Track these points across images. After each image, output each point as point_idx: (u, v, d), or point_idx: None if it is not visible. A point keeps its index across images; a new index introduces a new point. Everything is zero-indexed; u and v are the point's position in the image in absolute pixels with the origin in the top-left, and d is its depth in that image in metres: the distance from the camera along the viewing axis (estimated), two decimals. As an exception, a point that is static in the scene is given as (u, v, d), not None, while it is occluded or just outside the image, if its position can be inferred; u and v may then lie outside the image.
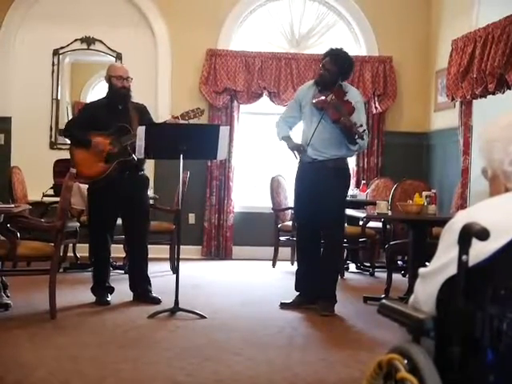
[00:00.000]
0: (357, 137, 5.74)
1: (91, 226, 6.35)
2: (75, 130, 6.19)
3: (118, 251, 7.21)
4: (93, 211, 6.27)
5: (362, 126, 5.79)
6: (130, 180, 6.12)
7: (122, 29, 9.34)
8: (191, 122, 6.22)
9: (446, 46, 8.31)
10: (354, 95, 6.07)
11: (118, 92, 6.15)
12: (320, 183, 5.92)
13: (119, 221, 6.35)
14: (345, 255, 8.31)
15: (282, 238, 8.59)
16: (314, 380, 4.10)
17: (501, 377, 1.96)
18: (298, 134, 6.28)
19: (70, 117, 9.50)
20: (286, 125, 6.22)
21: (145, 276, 6.27)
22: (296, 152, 6.06)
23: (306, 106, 6.08)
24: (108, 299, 6.12)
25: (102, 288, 6.18)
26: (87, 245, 7.84)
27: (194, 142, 5.69)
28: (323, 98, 5.93)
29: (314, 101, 5.99)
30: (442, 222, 2.25)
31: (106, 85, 6.28)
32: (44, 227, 6.07)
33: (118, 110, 6.15)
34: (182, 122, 6.09)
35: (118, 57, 9.31)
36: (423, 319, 2.03)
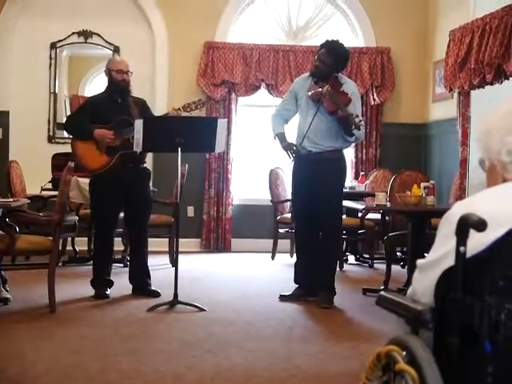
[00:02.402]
0: (353, 127, 5.74)
1: (94, 219, 6.35)
2: (76, 124, 6.19)
3: (116, 244, 7.20)
4: (96, 204, 6.27)
5: (358, 116, 5.79)
6: (133, 172, 6.12)
7: (120, 22, 9.32)
8: (193, 113, 6.22)
9: (444, 36, 8.30)
10: (349, 86, 6.06)
11: (118, 86, 6.15)
12: (316, 175, 5.92)
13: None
14: (344, 247, 8.33)
15: (281, 231, 8.59)
16: (314, 372, 4.11)
17: (499, 368, 1.97)
18: (293, 127, 6.28)
19: (68, 110, 9.51)
20: (282, 118, 6.21)
21: (144, 269, 6.28)
22: (289, 152, 6.04)
23: (302, 99, 6.07)
24: (107, 293, 6.13)
25: (101, 281, 6.18)
26: (86, 238, 7.90)
27: (192, 134, 5.68)
28: (319, 89, 5.92)
29: (309, 93, 5.98)
30: (441, 213, 2.25)
31: (106, 78, 6.28)
32: (43, 221, 6.07)
33: (118, 103, 6.15)
34: (184, 114, 6.08)
35: (116, 50, 9.29)
36: (421, 311, 2.03)
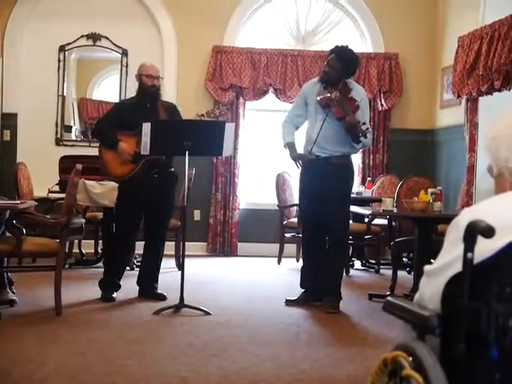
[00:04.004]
0: (360, 135, 5.73)
1: (117, 222, 6.33)
2: (104, 131, 6.20)
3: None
4: (120, 209, 6.27)
5: (365, 124, 5.78)
6: (159, 178, 6.12)
7: (128, 25, 9.35)
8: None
9: (452, 42, 8.30)
10: (358, 92, 6.06)
11: (148, 90, 6.16)
12: (324, 180, 5.92)
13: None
14: (350, 252, 8.32)
15: (287, 235, 8.59)
16: (319, 376, 4.10)
17: (506, 374, 1.96)
18: (302, 131, 6.28)
19: (76, 113, 9.53)
20: (293, 125, 6.20)
21: (155, 273, 6.29)
22: (300, 162, 6.04)
23: (311, 104, 6.06)
24: (113, 296, 6.13)
25: (111, 284, 6.18)
26: (92, 241, 7.91)
27: (200, 138, 5.68)
28: (328, 95, 5.92)
29: (318, 98, 5.98)
30: (448, 219, 2.25)
31: (137, 83, 6.31)
32: (49, 223, 6.07)
33: (146, 108, 6.15)
34: (207, 119, 6.10)
35: (124, 53, 9.31)
36: (428, 317, 2.03)
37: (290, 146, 6.12)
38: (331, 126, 5.91)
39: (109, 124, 6.17)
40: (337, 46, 6.07)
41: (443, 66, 9.14)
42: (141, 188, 6.04)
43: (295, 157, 6.06)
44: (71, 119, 9.54)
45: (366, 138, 5.79)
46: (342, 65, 5.93)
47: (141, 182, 6.04)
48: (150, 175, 6.07)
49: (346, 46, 6.06)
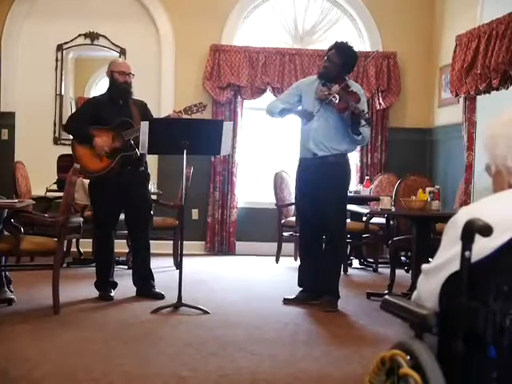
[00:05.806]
0: (364, 123, 5.72)
1: (94, 221, 6.37)
2: (77, 126, 6.18)
3: (121, 246, 7.23)
4: (95, 206, 6.30)
5: (368, 113, 5.79)
6: (131, 175, 6.12)
7: (126, 24, 9.34)
8: (194, 116, 6.24)
9: (450, 41, 8.30)
10: (357, 89, 6.06)
11: (120, 87, 6.15)
12: (321, 179, 5.91)
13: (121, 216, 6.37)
14: (348, 251, 8.32)
15: (285, 234, 8.59)
16: (317, 375, 4.10)
17: (504, 373, 1.96)
18: (295, 131, 6.27)
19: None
20: (281, 103, 6.18)
21: (148, 271, 6.28)
22: (305, 117, 6.01)
23: (308, 99, 6.04)
24: (111, 294, 6.13)
25: (105, 283, 6.18)
26: (90, 240, 7.89)
27: (198, 137, 5.68)
28: (327, 90, 5.91)
29: (319, 91, 5.95)
30: (446, 218, 2.25)
31: (107, 80, 6.29)
32: (47, 222, 6.07)
33: (118, 105, 6.16)
34: (184, 116, 6.09)
35: (122, 52, 9.30)
36: (426, 315, 2.03)
37: (288, 109, 6.11)
38: (329, 121, 5.91)
39: (81, 119, 6.16)
40: (337, 42, 6.11)
41: (441, 64, 9.14)
42: (115, 183, 6.04)
43: (300, 112, 6.06)
44: (69, 118, 9.52)
45: (370, 125, 5.78)
46: (341, 60, 5.95)
47: (115, 177, 6.04)
48: (124, 171, 6.07)
49: (346, 42, 6.09)
